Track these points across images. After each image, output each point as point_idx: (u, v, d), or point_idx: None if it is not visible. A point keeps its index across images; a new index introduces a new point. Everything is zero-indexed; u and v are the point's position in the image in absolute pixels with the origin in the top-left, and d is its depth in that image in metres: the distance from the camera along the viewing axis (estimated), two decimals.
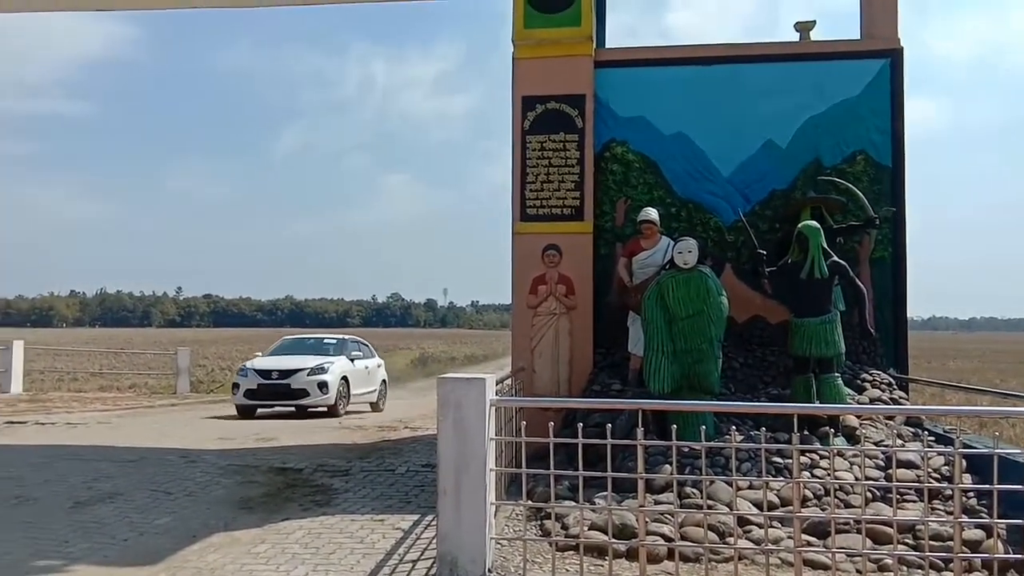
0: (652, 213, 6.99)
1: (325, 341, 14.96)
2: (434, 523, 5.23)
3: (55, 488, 6.68)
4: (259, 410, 12.68)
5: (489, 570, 4.28)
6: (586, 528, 4.76)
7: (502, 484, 5.27)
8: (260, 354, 14.64)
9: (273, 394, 12.47)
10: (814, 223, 6.40)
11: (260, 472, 7.44)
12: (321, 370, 12.75)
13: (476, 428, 4.35)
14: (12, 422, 10.88)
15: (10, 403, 13.32)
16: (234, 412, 12.44)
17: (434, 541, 4.80)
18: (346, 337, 15.32)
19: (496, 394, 4.68)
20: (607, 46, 8.52)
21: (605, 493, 4.54)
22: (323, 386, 12.57)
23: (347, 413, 13.09)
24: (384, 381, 15.30)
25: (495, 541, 4.55)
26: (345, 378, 13.20)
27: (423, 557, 4.81)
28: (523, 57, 7.92)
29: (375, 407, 14.53)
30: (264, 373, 12.60)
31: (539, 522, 5.25)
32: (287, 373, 12.57)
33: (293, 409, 12.61)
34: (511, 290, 7.79)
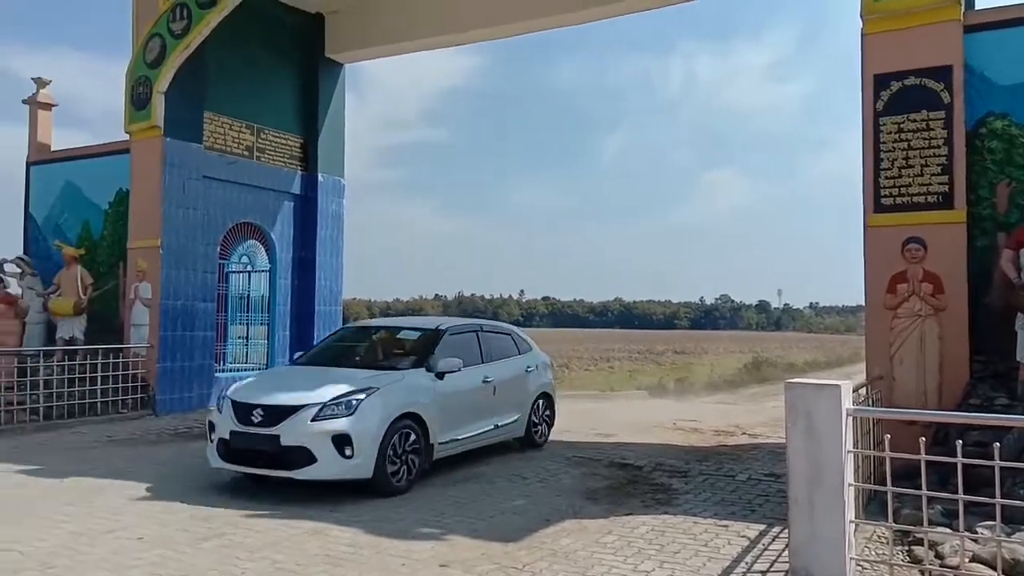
0: None
1: (419, 329, 8.35)
2: (782, 536, 4.99)
3: (441, 469, 7.69)
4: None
5: None
6: (967, 560, 4.16)
7: (860, 501, 4.83)
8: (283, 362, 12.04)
9: (250, 452, 6.49)
10: None
11: (602, 466, 7.78)
12: (345, 408, 6.39)
13: (830, 438, 4.05)
14: None
15: None
16: (579, 405, 13.11)
17: (784, 554, 4.58)
18: (464, 323, 8.80)
19: (852, 403, 4.31)
20: (977, 7, 7.38)
21: (990, 523, 3.93)
22: (343, 443, 6.27)
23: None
24: (547, 395, 9.09)
25: (855, 562, 4.18)
26: (413, 422, 6.73)
27: (772, 569, 4.61)
28: (874, 32, 7.20)
29: (527, 441, 8.70)
30: (243, 411, 6.60)
31: (906, 547, 4.71)
32: (276, 414, 6.43)
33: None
34: (864, 290, 7.12)
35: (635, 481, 7.11)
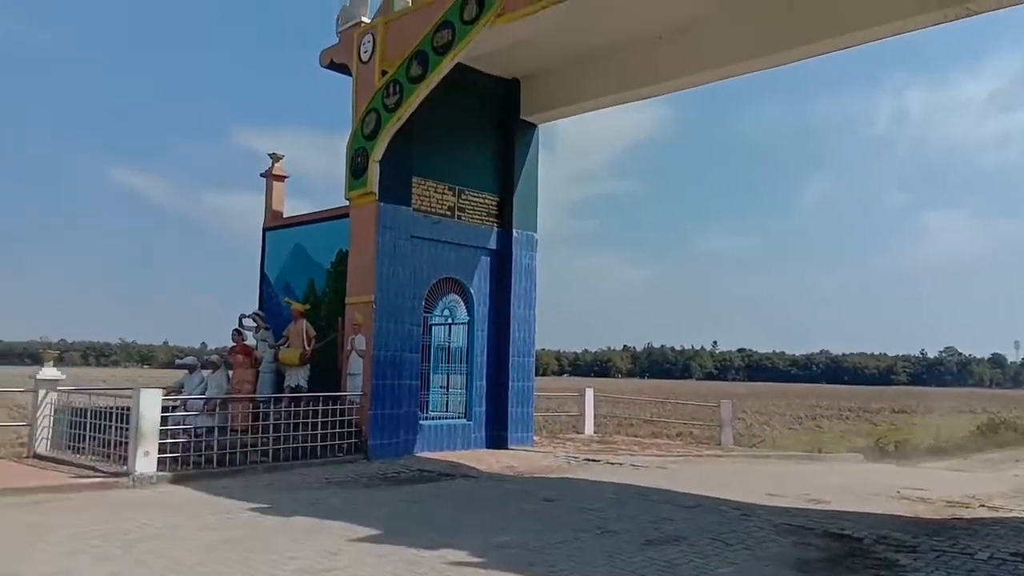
0: None
1: None
2: None
3: (628, 524, 7.53)
4: None
5: None
6: None
7: None
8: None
9: None
10: None
11: (815, 535, 7.19)
12: None
13: None
14: (589, 459, 12.76)
15: (585, 443, 15.67)
16: (785, 467, 12.30)
17: None
18: None
19: None
20: None
21: None
22: None
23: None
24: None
25: None
26: None
27: None
28: None
29: None
30: None
31: None
32: None
33: None
34: None
35: (854, 554, 6.48)
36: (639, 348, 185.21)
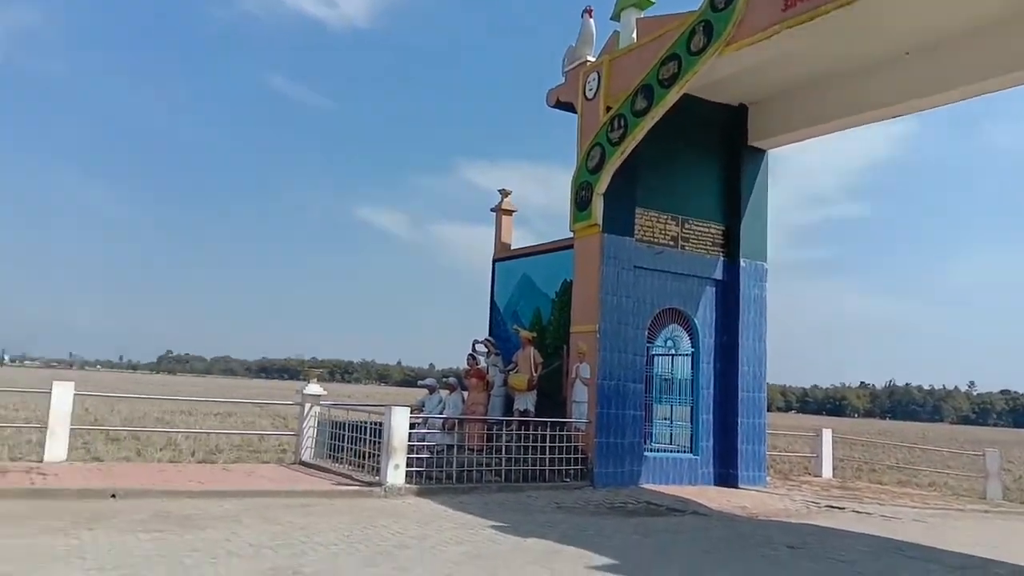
0: None
1: None
2: None
3: None
4: None
5: None
6: None
7: None
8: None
9: None
10: None
11: None
12: None
13: None
14: (832, 506, 11.88)
15: (824, 487, 14.58)
16: None
17: None
18: None
19: None
20: None
21: None
22: None
23: None
24: None
25: None
26: None
27: None
28: None
29: None
30: None
31: None
32: None
33: None
34: None
35: None
36: (879, 386, 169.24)
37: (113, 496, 8.89)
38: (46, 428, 11.09)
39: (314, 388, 13.40)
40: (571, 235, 13.78)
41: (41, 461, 10.85)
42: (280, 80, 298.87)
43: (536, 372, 13.50)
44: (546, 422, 12.29)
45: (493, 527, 8.48)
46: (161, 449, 13.82)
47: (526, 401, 13.37)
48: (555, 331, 14.28)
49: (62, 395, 11.09)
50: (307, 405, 13.20)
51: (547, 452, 12.05)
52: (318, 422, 13.23)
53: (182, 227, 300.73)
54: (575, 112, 14.20)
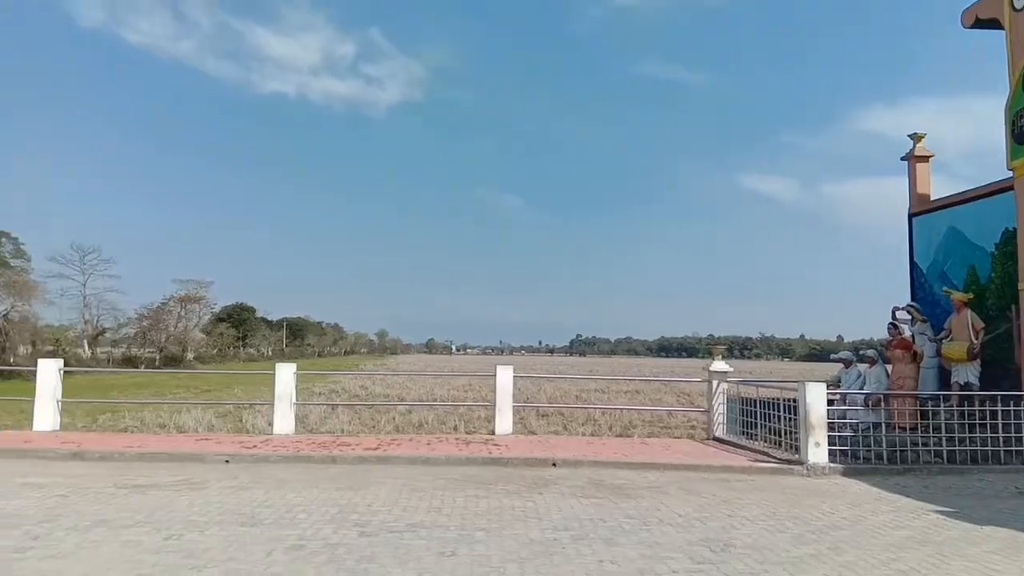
0: None
1: None
2: None
3: None
4: None
5: None
6: None
7: None
8: None
9: None
10: None
11: None
12: None
13: None
14: None
15: None
16: None
17: None
18: None
19: None
20: None
21: None
22: None
23: None
24: None
25: None
26: None
27: None
28: None
29: None
30: None
31: None
32: None
33: None
34: None
35: None
36: None
37: (554, 465, 10.07)
38: (493, 406, 13.01)
39: (720, 365, 13.45)
40: (1009, 175, 11.61)
41: (493, 434, 12.77)
42: (653, 64, 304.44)
43: (977, 339, 11.66)
44: (995, 396, 10.56)
45: (938, 512, 7.59)
46: (583, 424, 15.20)
47: (967, 373, 11.63)
48: (998, 290, 12.16)
49: (505, 377, 12.91)
50: (714, 382, 13.31)
51: (999, 430, 10.35)
52: (727, 398, 13.25)
53: (584, 226, 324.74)
54: (999, 28, 11.91)
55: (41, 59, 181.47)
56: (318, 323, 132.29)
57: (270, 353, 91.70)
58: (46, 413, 12.54)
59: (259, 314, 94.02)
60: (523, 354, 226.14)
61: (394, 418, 15.30)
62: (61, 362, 13.23)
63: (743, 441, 12.29)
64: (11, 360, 35.11)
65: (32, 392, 12.73)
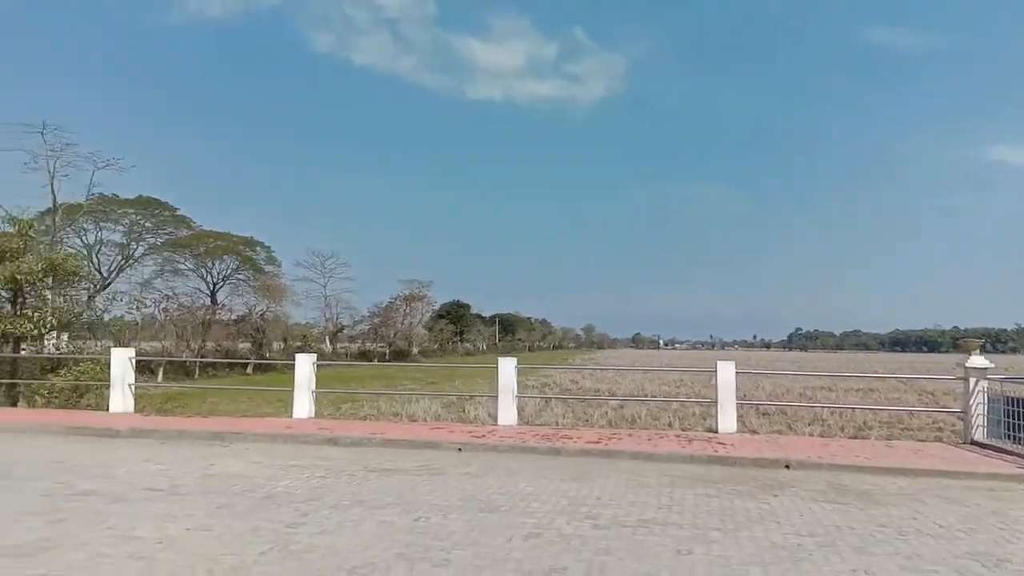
0: None
1: None
2: None
3: None
4: None
5: None
6: None
7: None
8: None
9: None
10: None
11: None
12: None
13: None
14: None
15: None
16: None
17: None
18: None
19: None
20: None
21: None
22: None
23: None
24: None
25: None
26: None
27: None
28: None
29: None
30: None
31: None
32: None
33: None
34: None
35: None
36: None
37: (787, 467, 9.52)
38: (714, 403, 12.57)
39: (979, 360, 11.97)
40: None
41: (714, 431, 12.35)
42: (876, 32, 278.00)
43: None
44: None
45: None
46: (809, 424, 14.21)
47: None
48: None
49: (726, 373, 12.43)
50: (972, 379, 11.87)
51: None
52: (987, 398, 11.75)
53: (800, 214, 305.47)
54: None
55: (288, 85, 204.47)
56: (527, 319, 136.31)
57: (484, 348, 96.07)
58: (303, 402, 14.05)
59: (473, 311, 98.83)
60: (736, 348, 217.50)
61: (607, 412, 15.32)
62: (315, 356, 14.76)
63: (1009, 446, 10.83)
64: (266, 355, 39.81)
65: (287, 383, 14.33)
